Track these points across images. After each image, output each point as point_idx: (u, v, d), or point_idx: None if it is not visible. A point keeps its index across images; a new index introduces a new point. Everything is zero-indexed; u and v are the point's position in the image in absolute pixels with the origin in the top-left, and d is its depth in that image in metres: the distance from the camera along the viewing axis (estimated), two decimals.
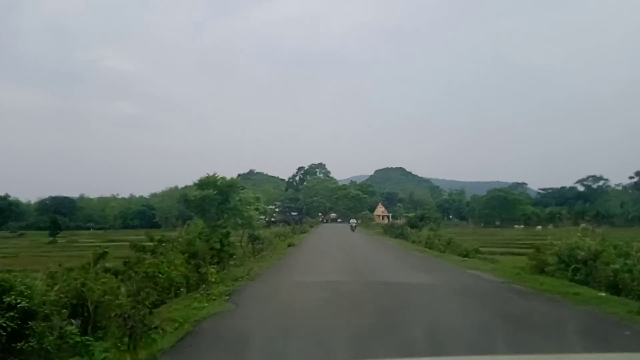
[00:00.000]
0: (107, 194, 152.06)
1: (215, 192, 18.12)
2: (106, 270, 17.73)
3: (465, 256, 26.37)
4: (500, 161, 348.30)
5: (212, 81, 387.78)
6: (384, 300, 11.13)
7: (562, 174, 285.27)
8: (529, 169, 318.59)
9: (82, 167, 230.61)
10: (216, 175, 18.20)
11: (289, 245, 31.55)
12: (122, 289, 14.10)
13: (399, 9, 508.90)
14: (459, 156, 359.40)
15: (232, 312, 9.83)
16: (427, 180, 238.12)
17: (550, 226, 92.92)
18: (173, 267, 16.09)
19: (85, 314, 12.17)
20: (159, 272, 15.42)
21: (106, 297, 12.16)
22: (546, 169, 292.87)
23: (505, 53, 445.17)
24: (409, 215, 48.85)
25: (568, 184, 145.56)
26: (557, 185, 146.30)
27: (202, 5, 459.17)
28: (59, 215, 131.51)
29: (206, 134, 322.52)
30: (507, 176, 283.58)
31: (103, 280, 12.62)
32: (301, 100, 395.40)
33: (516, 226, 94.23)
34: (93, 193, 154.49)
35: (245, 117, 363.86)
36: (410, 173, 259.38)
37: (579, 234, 17.92)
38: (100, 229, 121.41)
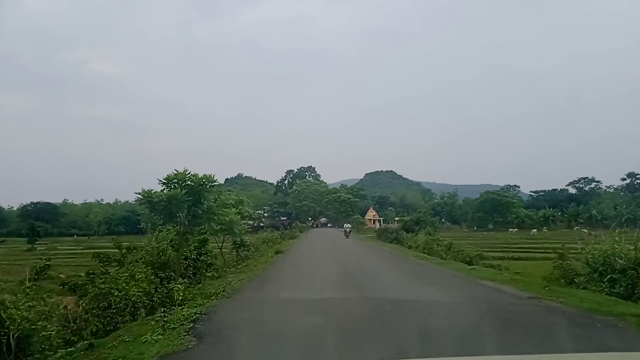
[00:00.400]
0: (91, 199, 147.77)
1: (184, 191, 15.20)
2: (64, 284, 14.91)
3: (469, 263, 23.88)
4: (490, 164, 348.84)
5: (199, 84, 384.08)
6: (395, 328, 8.36)
7: (553, 177, 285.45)
8: (519, 172, 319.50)
9: (67, 172, 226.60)
10: (186, 172, 15.21)
11: (277, 253, 28.80)
12: (56, 314, 11.36)
13: (390, 12, 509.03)
14: (449, 159, 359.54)
15: (187, 353, 7.02)
16: (417, 184, 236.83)
17: (545, 229, 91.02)
18: (134, 282, 13.34)
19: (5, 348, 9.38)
20: (116, 289, 12.66)
21: (33, 326, 9.43)
22: (537, 172, 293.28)
23: (497, 56, 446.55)
24: (404, 218, 46.36)
25: (559, 186, 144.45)
26: (548, 187, 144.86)
27: (188, 8, 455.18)
28: (42, 221, 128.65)
29: (194, 138, 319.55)
30: (497, 179, 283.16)
31: (29, 303, 9.92)
32: (291, 104, 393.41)
33: (510, 229, 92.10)
34: (77, 199, 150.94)
35: (234, 121, 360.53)
36: (400, 176, 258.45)
37: (586, 236, 15.54)
38: (84, 235, 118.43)
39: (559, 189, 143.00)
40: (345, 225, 57.44)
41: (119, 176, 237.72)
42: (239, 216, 21.43)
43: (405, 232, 40.17)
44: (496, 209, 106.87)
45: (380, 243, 40.13)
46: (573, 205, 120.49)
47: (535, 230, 79.87)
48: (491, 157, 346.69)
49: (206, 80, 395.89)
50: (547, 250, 43.74)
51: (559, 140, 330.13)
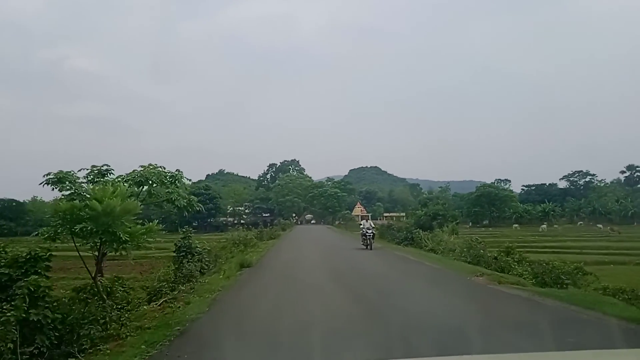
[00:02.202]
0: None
1: None
2: None
3: (574, 284, 13.38)
4: (474, 162, 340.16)
5: (182, 82, 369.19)
6: None
7: (538, 173, 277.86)
8: (503, 168, 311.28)
9: (43, 170, 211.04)
10: None
11: (242, 267, 17.60)
12: None
13: (375, 10, 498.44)
14: (433, 157, 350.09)
15: None
16: (402, 180, 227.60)
17: (556, 225, 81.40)
18: None
19: None
20: None
21: None
22: (521, 169, 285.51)
23: (483, 57, 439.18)
24: (418, 212, 35.44)
25: (546, 181, 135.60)
26: (535, 183, 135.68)
27: (170, 6, 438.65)
28: (6, 220, 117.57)
29: (175, 135, 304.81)
30: (480, 176, 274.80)
31: None
32: (274, 102, 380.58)
33: (515, 225, 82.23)
34: (49, 196, 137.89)
35: (216, 118, 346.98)
36: (385, 172, 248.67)
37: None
38: None
39: (547, 184, 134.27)
40: (364, 224, 27.96)
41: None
42: (132, 200, 10.12)
43: (420, 231, 29.38)
44: (493, 203, 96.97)
45: (392, 246, 29.09)
46: (570, 200, 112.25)
47: (544, 225, 69.92)
48: (475, 155, 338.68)
49: (189, 78, 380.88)
50: (602, 251, 34.37)
51: (542, 138, 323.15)
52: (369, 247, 25.81)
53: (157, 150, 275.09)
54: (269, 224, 70.92)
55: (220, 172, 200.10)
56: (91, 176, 13.42)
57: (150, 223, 9.05)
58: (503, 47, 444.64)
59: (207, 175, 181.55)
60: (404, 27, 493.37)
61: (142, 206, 10.29)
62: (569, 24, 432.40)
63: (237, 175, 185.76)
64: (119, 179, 13.44)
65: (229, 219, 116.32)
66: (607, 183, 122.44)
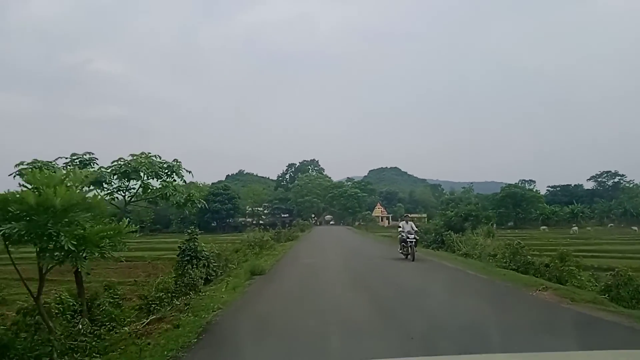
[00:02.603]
0: None
1: None
2: None
3: None
4: (495, 162, 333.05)
5: (201, 84, 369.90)
6: None
7: (562, 174, 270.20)
8: (524, 169, 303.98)
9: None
10: None
11: (253, 274, 15.05)
12: None
13: (391, 10, 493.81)
14: (453, 157, 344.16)
15: None
16: (422, 181, 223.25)
17: (589, 228, 77.17)
18: None
19: None
20: None
21: None
22: (543, 170, 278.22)
23: (502, 55, 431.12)
24: (448, 213, 32.60)
25: (571, 182, 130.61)
26: (558, 183, 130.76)
27: (189, 10, 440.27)
28: None
29: (196, 137, 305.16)
30: (501, 177, 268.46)
31: None
32: (291, 101, 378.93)
33: (543, 227, 78.25)
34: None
35: (235, 120, 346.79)
36: (405, 173, 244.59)
37: None
38: None
39: (572, 185, 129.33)
40: (403, 226, 21.79)
41: None
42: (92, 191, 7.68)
43: (452, 233, 26.60)
44: (519, 204, 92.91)
45: (421, 250, 26.30)
46: (598, 201, 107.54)
47: (575, 227, 66.10)
48: (497, 155, 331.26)
49: (207, 80, 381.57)
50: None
51: (566, 138, 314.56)
52: (409, 256, 20.27)
53: (175, 152, 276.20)
54: (287, 225, 68.56)
55: (240, 172, 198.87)
56: (70, 166, 11.08)
57: (120, 223, 6.50)
58: (522, 43, 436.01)
59: (227, 176, 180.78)
60: (421, 26, 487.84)
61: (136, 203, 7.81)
62: (592, 15, 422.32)
63: (257, 175, 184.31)
64: (103, 169, 11.07)
65: (248, 220, 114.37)
66: (637, 184, 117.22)
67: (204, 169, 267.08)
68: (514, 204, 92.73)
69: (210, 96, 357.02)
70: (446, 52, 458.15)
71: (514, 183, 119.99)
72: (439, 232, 28.32)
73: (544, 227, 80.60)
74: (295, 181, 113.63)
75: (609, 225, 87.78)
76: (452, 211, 31.02)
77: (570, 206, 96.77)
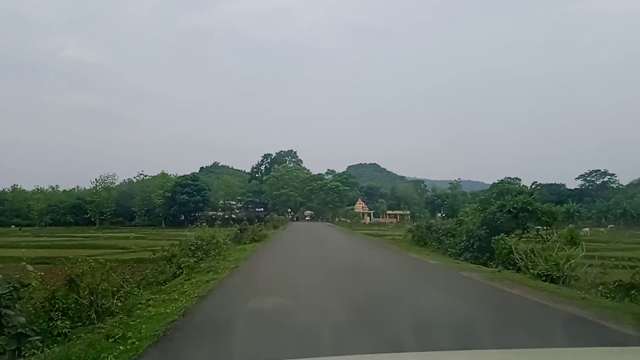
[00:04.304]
0: (45, 186, 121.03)
1: None
2: None
3: None
4: (476, 162, 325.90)
5: (181, 74, 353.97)
6: None
7: (545, 173, 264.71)
8: (508, 168, 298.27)
9: (28, 159, 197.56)
10: None
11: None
12: None
13: (377, 8, 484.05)
14: (433, 155, 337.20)
15: None
16: (402, 178, 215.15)
17: (603, 229, 68.64)
18: None
19: None
20: None
21: None
22: (527, 169, 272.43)
23: (487, 57, 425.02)
24: (492, 207, 22.35)
25: (553, 181, 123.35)
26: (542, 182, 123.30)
27: None
28: None
29: (174, 128, 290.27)
30: (482, 177, 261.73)
31: None
32: (270, 93, 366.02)
33: (537, 228, 69.08)
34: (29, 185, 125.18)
35: (212, 110, 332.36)
36: (384, 170, 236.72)
37: None
38: (29, 225, 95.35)
39: (555, 183, 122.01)
40: None
41: (93, 165, 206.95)
42: None
43: (506, 238, 16.44)
44: None
45: (455, 264, 15.98)
46: (589, 200, 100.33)
47: (587, 229, 57.14)
48: (477, 155, 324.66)
49: (188, 70, 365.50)
50: None
51: (548, 138, 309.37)
52: None
53: (153, 142, 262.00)
54: (259, 221, 57.70)
55: (215, 164, 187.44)
56: None
57: None
58: (507, 46, 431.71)
59: (201, 168, 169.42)
60: (407, 25, 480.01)
61: None
62: (579, 22, 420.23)
63: (232, 168, 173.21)
64: None
65: (219, 214, 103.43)
66: (622, 185, 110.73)
67: (180, 160, 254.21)
68: None
69: (191, 86, 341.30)
70: (433, 53, 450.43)
71: (498, 181, 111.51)
72: (476, 236, 18.23)
73: (539, 227, 71.53)
74: (271, 172, 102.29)
75: (609, 226, 79.80)
76: (495, 205, 21.06)
77: (564, 205, 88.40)
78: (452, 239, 21.17)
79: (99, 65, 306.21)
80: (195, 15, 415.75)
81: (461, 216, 26.01)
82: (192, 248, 17.92)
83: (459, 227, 21.94)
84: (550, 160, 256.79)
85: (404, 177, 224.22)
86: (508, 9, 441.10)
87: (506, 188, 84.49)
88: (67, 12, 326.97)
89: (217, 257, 16.66)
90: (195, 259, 15.38)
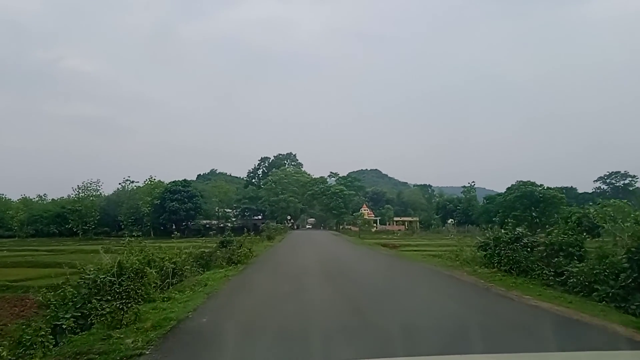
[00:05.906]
0: (33, 195, 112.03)
1: None
2: None
3: None
4: (478, 167, 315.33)
5: (175, 80, 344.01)
6: None
7: (551, 177, 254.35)
8: (510, 173, 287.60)
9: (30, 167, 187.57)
10: None
11: None
12: None
13: (374, 14, 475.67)
14: (435, 161, 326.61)
15: None
16: (404, 183, 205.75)
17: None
18: None
19: None
20: None
21: None
22: (529, 175, 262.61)
23: (483, 63, 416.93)
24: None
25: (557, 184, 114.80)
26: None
27: (167, 6, 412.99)
28: None
29: (171, 135, 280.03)
30: (485, 182, 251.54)
31: None
32: (268, 100, 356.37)
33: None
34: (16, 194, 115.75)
35: (210, 118, 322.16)
36: (386, 175, 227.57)
37: None
38: (10, 237, 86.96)
39: (568, 187, 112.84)
40: None
41: (92, 173, 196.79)
42: None
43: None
44: (536, 206, 74.20)
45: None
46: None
47: None
48: (479, 160, 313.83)
49: (184, 77, 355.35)
50: None
51: (543, 145, 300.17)
52: None
53: (150, 150, 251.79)
54: (251, 231, 47.35)
55: (212, 172, 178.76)
56: None
57: None
58: (502, 51, 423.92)
59: (198, 176, 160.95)
60: (405, 31, 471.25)
61: None
62: (576, 25, 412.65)
63: (230, 175, 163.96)
64: None
65: (214, 222, 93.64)
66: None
67: (178, 168, 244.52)
68: (531, 206, 73.90)
69: (187, 94, 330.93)
70: (429, 59, 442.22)
71: (516, 182, 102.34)
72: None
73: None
74: (268, 176, 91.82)
75: None
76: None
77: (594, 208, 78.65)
78: (576, 263, 11.37)
79: (94, 74, 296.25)
80: (194, 23, 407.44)
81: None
82: (90, 289, 8.01)
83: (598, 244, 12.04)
84: (551, 163, 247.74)
85: (406, 183, 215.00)
86: (507, 15, 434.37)
87: (529, 191, 74.64)
88: (63, 18, 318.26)
89: (134, 311, 6.73)
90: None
